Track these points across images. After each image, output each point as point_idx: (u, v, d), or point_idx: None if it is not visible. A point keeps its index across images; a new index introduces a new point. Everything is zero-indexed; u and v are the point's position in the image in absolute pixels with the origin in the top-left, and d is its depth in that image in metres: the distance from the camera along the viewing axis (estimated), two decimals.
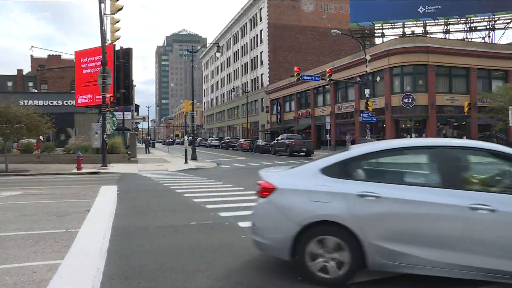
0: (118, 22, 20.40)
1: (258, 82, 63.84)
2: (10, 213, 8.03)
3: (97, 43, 54.06)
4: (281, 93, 52.23)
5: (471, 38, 46.22)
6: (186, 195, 10.57)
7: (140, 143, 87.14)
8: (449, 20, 46.13)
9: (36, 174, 17.57)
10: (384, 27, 48.88)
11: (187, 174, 18.16)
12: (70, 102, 33.78)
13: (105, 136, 20.63)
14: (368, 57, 28.45)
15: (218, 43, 50.08)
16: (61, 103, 34.80)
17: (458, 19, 45.82)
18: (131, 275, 4.38)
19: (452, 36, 46.80)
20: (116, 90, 24.55)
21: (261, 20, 61.60)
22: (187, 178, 15.86)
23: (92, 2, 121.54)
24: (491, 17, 44.56)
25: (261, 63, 61.90)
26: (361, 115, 29.49)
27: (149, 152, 42.32)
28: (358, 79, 32.81)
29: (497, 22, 45.75)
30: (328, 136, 35.25)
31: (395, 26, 48.44)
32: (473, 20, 45.70)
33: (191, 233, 6.38)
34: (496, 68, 34.03)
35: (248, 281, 4.19)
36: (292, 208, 4.18)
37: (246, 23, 68.62)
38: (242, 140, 48.78)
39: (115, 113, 27.03)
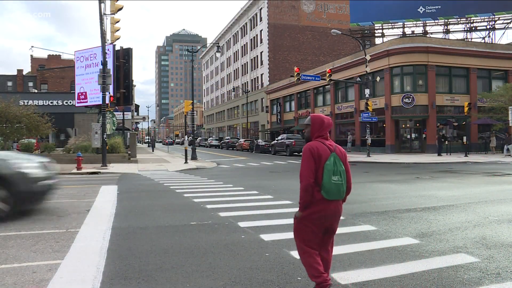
0: (118, 22, 20.39)
1: (258, 82, 63.83)
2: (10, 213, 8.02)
3: (97, 43, 54.14)
4: (281, 93, 52.23)
5: (471, 38, 46.23)
6: (186, 195, 10.57)
7: (140, 142, 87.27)
8: (449, 20, 46.11)
9: None
10: (384, 27, 48.85)
11: (187, 174, 18.15)
12: (70, 102, 33.81)
13: (105, 136, 20.63)
14: (368, 57, 28.45)
15: (218, 43, 50.05)
16: (61, 103, 34.83)
17: (458, 19, 45.80)
18: (131, 275, 4.38)
19: (452, 36, 46.84)
20: (116, 90, 24.57)
21: (261, 20, 61.60)
22: (187, 178, 15.86)
23: (92, 2, 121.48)
24: (491, 17, 44.53)
25: (261, 63, 61.90)
26: (361, 115, 29.49)
27: (153, 151, 44.86)
28: (358, 79, 32.81)
29: (497, 22, 45.74)
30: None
31: (395, 26, 48.42)
32: (473, 20, 45.67)
33: (191, 233, 6.38)
34: (496, 68, 34.04)
35: (248, 281, 4.19)
36: None
37: (246, 23, 68.61)
38: (242, 140, 48.76)
39: (115, 113, 27.03)
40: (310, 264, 3.52)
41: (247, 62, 68.65)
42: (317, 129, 3.59)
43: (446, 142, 29.79)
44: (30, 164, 7.56)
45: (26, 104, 22.37)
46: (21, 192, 7.23)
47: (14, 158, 7.64)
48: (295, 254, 5.06)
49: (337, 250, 5.22)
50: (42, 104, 32.45)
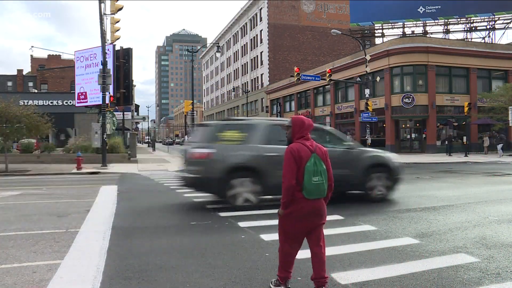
0: (118, 22, 20.40)
1: (258, 82, 63.83)
2: (10, 213, 8.03)
3: (97, 43, 54.20)
4: (281, 93, 52.23)
5: (471, 38, 46.21)
6: (186, 195, 10.56)
7: (140, 142, 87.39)
8: (449, 20, 46.10)
9: (36, 174, 17.57)
10: (384, 27, 48.85)
11: None
12: (70, 102, 33.80)
13: (105, 136, 20.63)
14: (368, 57, 28.45)
15: (218, 43, 50.05)
16: (61, 103, 34.81)
17: (458, 19, 45.79)
18: (131, 275, 4.38)
19: (452, 36, 46.82)
20: (116, 90, 24.58)
21: (261, 20, 61.59)
22: None
23: (92, 2, 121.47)
24: (491, 17, 44.53)
25: (261, 63, 61.89)
26: (361, 115, 29.50)
27: (154, 150, 46.47)
28: (358, 79, 32.80)
29: (497, 22, 45.74)
30: None
31: (395, 26, 48.41)
32: (473, 20, 45.66)
33: (191, 233, 6.38)
34: (496, 68, 34.03)
35: (248, 281, 4.19)
36: None
37: (246, 23, 68.60)
38: None
39: (115, 113, 27.02)
40: (283, 260, 3.77)
41: (247, 62, 68.64)
42: (298, 130, 3.71)
43: (446, 142, 29.82)
44: (394, 157, 9.75)
45: (26, 104, 22.33)
46: (395, 179, 9.39)
47: (382, 152, 9.98)
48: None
49: (337, 250, 5.22)
50: (42, 104, 32.41)
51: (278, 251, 3.84)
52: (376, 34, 50.92)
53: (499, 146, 26.59)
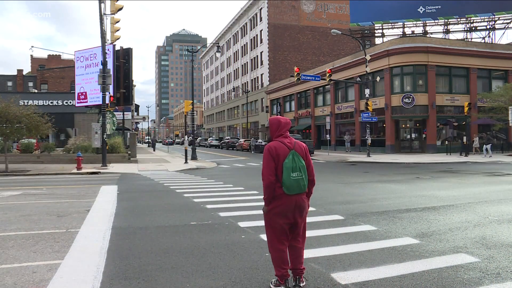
0: (118, 22, 20.40)
1: (258, 82, 63.82)
2: (10, 213, 8.03)
3: (97, 43, 54.05)
4: (281, 93, 52.21)
5: (471, 38, 46.20)
6: (186, 195, 10.58)
7: (140, 142, 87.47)
8: (449, 20, 46.09)
9: (36, 174, 17.58)
10: (384, 27, 48.83)
11: (187, 174, 18.16)
12: (70, 102, 33.81)
13: (105, 136, 20.64)
14: (368, 57, 28.44)
15: (218, 43, 50.03)
16: (61, 103, 34.80)
17: (458, 19, 45.78)
18: (131, 275, 4.38)
19: (452, 36, 46.80)
20: (116, 90, 24.58)
21: (261, 20, 61.59)
22: (187, 178, 15.86)
23: (92, 2, 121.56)
24: (491, 17, 44.52)
25: (261, 63, 61.88)
26: (361, 115, 29.48)
27: (154, 150, 46.92)
28: (358, 79, 32.80)
29: (497, 22, 45.72)
30: (328, 136, 35.23)
31: (395, 26, 48.39)
32: (473, 20, 45.65)
33: (191, 233, 6.38)
34: (496, 68, 34.02)
35: (248, 281, 4.19)
36: None
37: (246, 23, 68.60)
38: (242, 140, 48.76)
39: (115, 113, 27.02)
40: (276, 256, 3.86)
41: (247, 62, 68.63)
42: (275, 129, 3.91)
43: (447, 142, 29.77)
44: None
45: (26, 104, 22.32)
46: None
47: None
48: None
49: (337, 250, 5.23)
50: (42, 104, 32.40)
51: (269, 251, 3.94)
52: (376, 34, 50.90)
53: (489, 146, 26.52)
